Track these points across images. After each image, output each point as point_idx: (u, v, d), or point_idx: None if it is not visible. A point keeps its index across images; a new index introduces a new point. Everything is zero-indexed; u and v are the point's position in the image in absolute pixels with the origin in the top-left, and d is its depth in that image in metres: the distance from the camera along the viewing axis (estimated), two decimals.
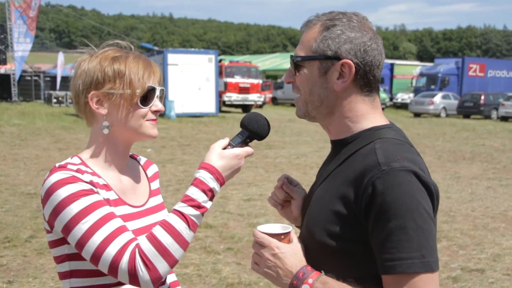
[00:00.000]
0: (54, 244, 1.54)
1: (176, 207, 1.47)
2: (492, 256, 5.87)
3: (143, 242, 1.42)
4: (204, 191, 1.48)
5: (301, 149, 14.57)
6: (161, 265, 1.41)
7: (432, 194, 1.34)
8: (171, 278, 1.81)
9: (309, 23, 1.49)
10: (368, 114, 1.47)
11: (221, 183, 1.52)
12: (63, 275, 1.56)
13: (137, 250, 1.41)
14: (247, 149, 1.58)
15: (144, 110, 1.57)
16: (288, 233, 1.48)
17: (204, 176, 1.49)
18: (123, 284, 1.53)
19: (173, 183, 9.27)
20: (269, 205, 7.94)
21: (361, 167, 1.36)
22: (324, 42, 1.42)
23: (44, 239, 6.08)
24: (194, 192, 1.47)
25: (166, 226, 1.44)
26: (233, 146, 1.56)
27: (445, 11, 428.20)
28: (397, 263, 1.27)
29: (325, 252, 1.40)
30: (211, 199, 1.50)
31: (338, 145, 1.51)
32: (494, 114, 30.13)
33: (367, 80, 1.44)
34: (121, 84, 1.53)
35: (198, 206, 1.47)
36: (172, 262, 1.43)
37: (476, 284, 5.07)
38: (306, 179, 10.13)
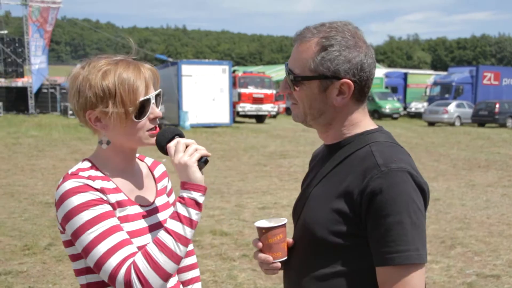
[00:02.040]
0: (69, 243, 1.61)
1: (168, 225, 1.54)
2: (507, 262, 5.86)
3: (139, 259, 1.49)
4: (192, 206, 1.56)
5: None
6: (155, 281, 1.48)
7: (424, 193, 1.47)
8: (191, 260, 1.90)
9: (302, 38, 1.54)
10: (361, 121, 1.59)
11: (195, 189, 1.56)
12: (79, 272, 1.63)
13: (132, 266, 1.48)
14: (177, 147, 1.59)
15: (141, 122, 1.61)
16: (283, 225, 1.61)
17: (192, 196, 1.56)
18: None
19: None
20: (283, 213, 7.99)
21: (360, 168, 1.47)
22: (323, 63, 1.50)
23: (62, 246, 6.13)
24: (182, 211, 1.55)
25: (160, 245, 1.51)
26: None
27: (460, 20, 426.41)
28: (395, 255, 1.38)
29: (326, 248, 1.50)
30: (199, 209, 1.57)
31: (332, 149, 1.61)
32: (509, 122, 29.87)
33: (363, 93, 1.56)
34: (113, 104, 1.56)
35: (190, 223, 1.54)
36: (165, 276, 1.50)
37: None
38: None
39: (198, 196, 1.55)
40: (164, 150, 1.62)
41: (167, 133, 1.64)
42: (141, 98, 1.58)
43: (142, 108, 1.60)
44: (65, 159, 13.77)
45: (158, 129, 1.66)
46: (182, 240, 1.52)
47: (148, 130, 1.63)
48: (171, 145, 1.60)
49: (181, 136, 1.64)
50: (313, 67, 1.51)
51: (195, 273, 1.90)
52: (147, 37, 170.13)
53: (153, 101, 1.62)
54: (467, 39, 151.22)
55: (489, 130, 27.73)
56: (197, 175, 1.56)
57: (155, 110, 1.63)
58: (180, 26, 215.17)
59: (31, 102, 31.67)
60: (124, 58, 1.64)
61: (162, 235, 1.52)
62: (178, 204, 1.55)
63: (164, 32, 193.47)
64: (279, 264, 1.63)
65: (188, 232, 1.53)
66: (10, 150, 15.28)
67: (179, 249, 1.51)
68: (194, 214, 1.54)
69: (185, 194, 1.55)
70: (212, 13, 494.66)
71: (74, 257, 1.62)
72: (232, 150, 16.41)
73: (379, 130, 1.59)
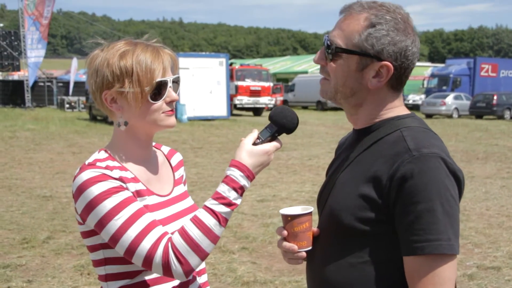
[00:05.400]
0: (87, 234, 1.58)
1: (207, 204, 1.51)
2: (508, 254, 5.85)
3: (176, 237, 1.47)
4: (235, 189, 1.51)
5: (313, 151, 14.59)
6: (193, 259, 1.46)
7: (459, 181, 1.39)
8: (202, 279, 1.85)
9: (351, 10, 1.47)
10: (395, 107, 1.52)
11: (251, 179, 1.54)
12: (98, 263, 1.60)
13: (169, 244, 1.46)
14: (275, 144, 1.58)
15: (157, 104, 1.58)
16: (309, 213, 1.55)
17: (235, 174, 1.52)
18: None
19: (186, 185, 9.33)
20: (282, 206, 7.98)
21: (390, 153, 1.40)
22: (369, 40, 1.42)
23: (61, 240, 6.16)
24: (225, 190, 1.50)
25: (198, 222, 1.48)
26: (262, 140, 1.58)
27: (457, 11, 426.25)
28: (425, 245, 1.31)
29: (353, 236, 1.44)
30: (241, 195, 1.53)
31: (361, 133, 1.54)
32: (507, 114, 29.92)
33: (400, 80, 1.48)
34: (130, 82, 1.54)
35: (229, 204, 1.50)
36: (203, 256, 1.48)
37: (492, 281, 5.06)
38: (319, 180, 10.14)
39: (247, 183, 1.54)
40: (287, 130, 1.59)
41: (295, 121, 1.61)
42: (158, 79, 1.56)
43: (159, 90, 1.57)
44: (63, 152, 13.72)
45: (173, 111, 1.63)
46: (221, 220, 1.50)
47: (163, 112, 1.60)
48: (278, 145, 1.59)
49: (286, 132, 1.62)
50: (356, 41, 1.43)
51: (202, 264, 1.88)
52: (144, 30, 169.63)
53: (170, 84, 1.60)
54: (464, 31, 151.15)
55: (487, 122, 27.76)
56: (258, 170, 1.56)
57: (172, 94, 1.60)
58: (177, 19, 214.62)
59: (28, 95, 31.53)
60: (143, 42, 1.63)
61: (200, 213, 1.50)
62: (224, 185, 1.51)
63: (160, 25, 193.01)
64: (304, 254, 1.57)
65: (229, 214, 1.52)
66: (7, 144, 15.21)
67: (217, 228, 1.49)
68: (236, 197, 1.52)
69: (244, 182, 1.52)
70: (209, 5, 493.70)
71: (93, 248, 1.59)
72: (230, 143, 16.38)
73: (412, 116, 1.52)
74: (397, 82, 1.48)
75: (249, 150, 1.55)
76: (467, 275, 5.18)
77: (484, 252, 5.91)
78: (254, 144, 1.57)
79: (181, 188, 1.78)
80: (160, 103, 1.58)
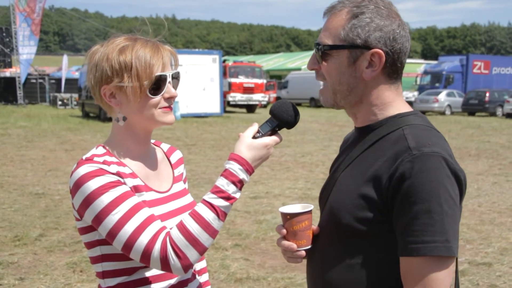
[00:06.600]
0: (84, 230, 1.57)
1: (206, 197, 1.49)
2: (499, 250, 5.89)
3: (174, 231, 1.45)
4: (234, 183, 1.49)
5: (306, 148, 14.60)
6: (191, 254, 1.45)
7: (460, 181, 1.35)
8: (203, 278, 1.84)
9: (333, 9, 1.47)
10: (394, 102, 1.48)
11: (251, 173, 1.53)
12: (95, 260, 1.59)
13: (168, 239, 1.44)
14: (275, 138, 1.57)
15: (155, 99, 1.57)
16: (309, 212, 1.53)
17: (234, 167, 1.51)
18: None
19: (187, 183, 9.30)
20: (275, 203, 7.99)
21: (391, 152, 1.37)
22: (354, 30, 1.41)
23: (53, 237, 6.14)
24: (224, 184, 1.49)
25: (196, 216, 1.47)
26: (262, 134, 1.56)
27: (450, 9, 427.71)
28: (421, 246, 1.28)
29: (352, 236, 1.42)
30: (240, 189, 1.51)
31: (363, 132, 1.51)
32: (499, 111, 30.05)
33: (395, 67, 1.45)
34: (129, 77, 1.53)
35: (228, 198, 1.49)
36: (201, 250, 1.47)
37: (484, 277, 5.09)
38: (312, 177, 10.16)
39: (246, 176, 1.52)
40: (287, 125, 1.58)
41: (296, 117, 1.58)
42: (157, 73, 1.56)
43: (158, 85, 1.57)
44: (55, 149, 13.67)
45: (171, 108, 1.62)
46: (219, 213, 1.48)
47: (160, 108, 1.59)
48: (278, 140, 1.58)
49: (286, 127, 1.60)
50: (343, 35, 1.42)
51: (203, 263, 1.88)
52: (137, 27, 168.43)
53: (169, 79, 1.59)
54: (457, 28, 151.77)
55: (479, 119, 27.89)
56: (257, 164, 1.56)
57: (171, 89, 1.60)
58: (170, 15, 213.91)
59: (20, 92, 31.37)
60: (143, 38, 1.63)
61: (199, 207, 1.48)
62: (223, 179, 1.50)
63: (153, 22, 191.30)
64: (303, 253, 1.55)
65: (228, 209, 1.50)
66: None
67: (215, 223, 1.48)
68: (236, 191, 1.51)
69: (243, 175, 1.51)
70: (202, 2, 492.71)
71: (90, 245, 1.58)
72: (223, 140, 16.38)
73: (414, 113, 1.48)
74: (392, 70, 1.45)
75: (249, 143, 1.54)
76: (459, 271, 5.19)
77: (475, 248, 5.95)
78: (254, 137, 1.56)
79: (180, 185, 1.77)
80: (158, 98, 1.58)
